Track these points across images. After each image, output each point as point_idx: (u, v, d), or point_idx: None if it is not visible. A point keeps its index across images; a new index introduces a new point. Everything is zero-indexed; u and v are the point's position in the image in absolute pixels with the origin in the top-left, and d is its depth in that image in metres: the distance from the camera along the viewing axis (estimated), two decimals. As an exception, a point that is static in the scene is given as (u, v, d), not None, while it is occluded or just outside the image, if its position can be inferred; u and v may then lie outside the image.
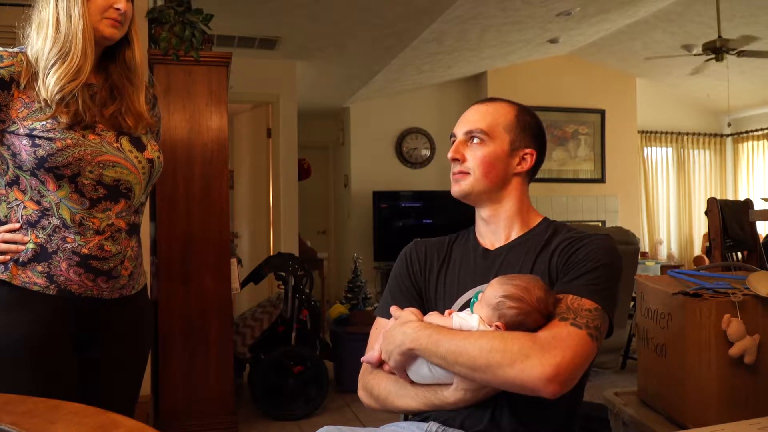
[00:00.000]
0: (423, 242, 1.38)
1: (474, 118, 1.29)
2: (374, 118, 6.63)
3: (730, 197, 7.57)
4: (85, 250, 1.32)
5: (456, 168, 1.28)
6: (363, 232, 6.52)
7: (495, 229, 1.29)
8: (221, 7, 3.52)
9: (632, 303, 4.04)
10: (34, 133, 1.27)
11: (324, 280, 5.77)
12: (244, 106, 5.55)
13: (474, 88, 6.56)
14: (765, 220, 4.04)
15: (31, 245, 1.30)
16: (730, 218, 3.32)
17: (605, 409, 1.56)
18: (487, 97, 1.35)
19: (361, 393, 1.26)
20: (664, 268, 6.17)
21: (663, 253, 7.32)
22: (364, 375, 1.26)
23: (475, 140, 1.27)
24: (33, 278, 1.29)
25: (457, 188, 1.28)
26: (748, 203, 3.74)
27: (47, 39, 1.31)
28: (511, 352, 1.02)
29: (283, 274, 3.63)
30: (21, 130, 1.28)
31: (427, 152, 6.66)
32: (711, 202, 3.38)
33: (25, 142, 1.27)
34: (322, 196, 7.60)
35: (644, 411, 1.51)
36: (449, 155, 1.28)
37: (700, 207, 7.46)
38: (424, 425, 1.16)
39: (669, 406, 1.42)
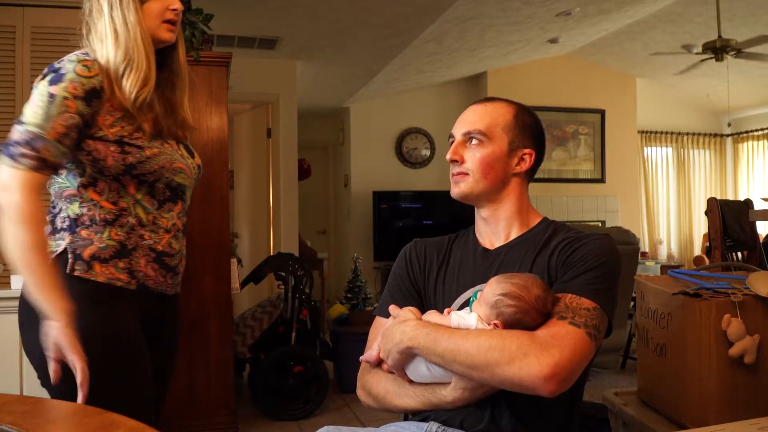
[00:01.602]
0: (423, 242, 1.38)
1: (472, 118, 1.28)
2: (374, 118, 6.63)
3: (730, 197, 7.57)
4: (159, 247, 1.37)
5: (455, 169, 1.28)
6: (363, 232, 6.52)
7: (495, 228, 1.29)
8: (221, 7, 3.52)
9: (632, 303, 4.04)
10: (124, 140, 1.30)
11: (324, 280, 5.77)
12: (244, 106, 5.54)
13: (474, 88, 6.57)
14: (765, 220, 4.04)
15: (111, 242, 1.31)
16: (730, 218, 3.32)
17: (605, 409, 1.56)
18: (486, 96, 1.34)
19: (359, 392, 1.26)
20: (664, 268, 6.17)
21: (663, 253, 7.32)
22: (362, 374, 1.26)
23: (474, 141, 1.26)
24: (116, 274, 1.31)
25: (457, 189, 1.28)
26: (748, 203, 3.74)
27: (110, 49, 1.30)
28: (509, 351, 1.02)
29: (283, 274, 3.63)
30: (109, 137, 1.29)
31: (427, 152, 6.66)
32: (711, 202, 3.38)
33: (113, 148, 1.29)
34: (322, 196, 7.60)
35: (644, 411, 1.51)
36: (448, 156, 1.28)
37: (700, 207, 7.46)
38: (425, 425, 1.16)
39: (669, 406, 1.42)
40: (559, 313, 1.08)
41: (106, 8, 1.30)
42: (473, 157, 1.26)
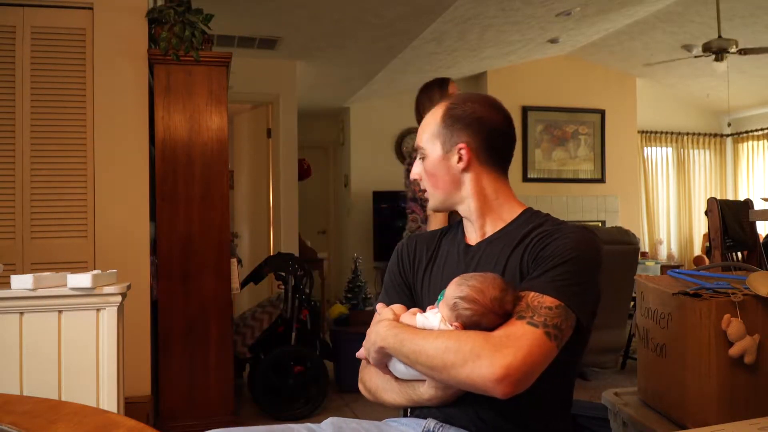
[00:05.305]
0: (414, 237, 1.38)
1: (417, 135, 1.32)
2: (374, 118, 6.63)
3: (730, 197, 7.57)
4: None
5: (419, 186, 1.33)
6: (363, 232, 6.52)
7: (473, 225, 1.27)
8: (221, 7, 3.52)
9: (632, 303, 4.04)
10: None
11: (324, 280, 5.77)
12: (244, 106, 5.54)
13: (474, 88, 6.56)
14: (765, 220, 4.04)
15: None
16: (730, 218, 3.32)
17: (605, 409, 1.56)
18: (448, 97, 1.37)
19: (360, 386, 1.29)
20: (664, 268, 6.17)
21: (663, 253, 7.31)
22: (361, 369, 1.29)
23: (419, 157, 1.29)
24: None
25: (428, 205, 1.34)
26: (748, 203, 3.74)
27: None
28: (463, 352, 1.01)
29: (283, 274, 3.63)
30: None
31: (427, 152, 6.65)
32: (711, 202, 3.38)
33: None
34: (322, 196, 7.60)
35: (644, 411, 1.51)
36: (411, 175, 1.33)
37: (700, 207, 7.46)
38: (423, 422, 1.17)
39: (669, 406, 1.42)
40: (519, 313, 1.06)
41: None
42: (421, 173, 1.29)
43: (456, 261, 1.26)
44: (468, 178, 1.25)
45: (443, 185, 1.26)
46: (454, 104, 1.26)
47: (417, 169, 1.30)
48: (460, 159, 1.24)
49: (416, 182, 1.32)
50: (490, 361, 0.99)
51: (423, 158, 1.28)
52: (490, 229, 1.26)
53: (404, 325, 1.14)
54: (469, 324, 1.07)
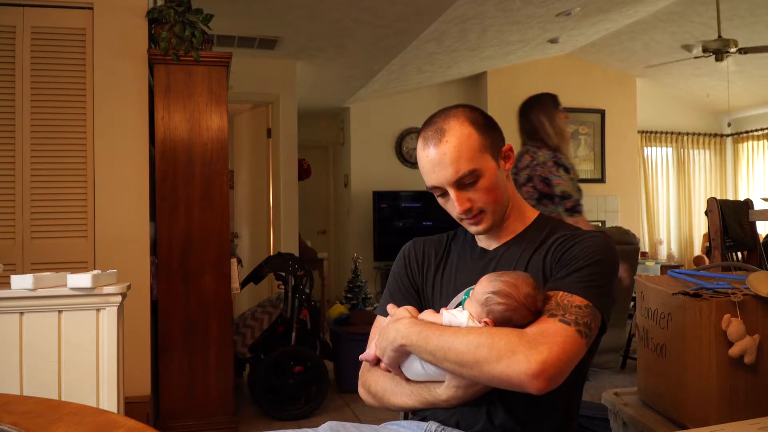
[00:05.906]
0: (421, 240, 1.38)
1: (447, 165, 1.16)
2: (374, 118, 6.63)
3: (730, 197, 7.57)
4: None
5: (470, 214, 1.20)
6: (363, 232, 6.52)
7: (495, 230, 1.27)
8: (221, 7, 3.52)
9: (632, 303, 4.04)
10: None
11: (324, 280, 5.77)
12: (244, 106, 5.55)
13: (474, 88, 6.57)
14: (765, 220, 4.03)
15: None
16: (730, 218, 3.32)
17: (605, 409, 1.56)
18: (432, 120, 1.22)
19: (360, 390, 1.27)
20: (664, 268, 6.17)
21: (663, 253, 7.31)
22: (363, 373, 1.27)
23: (468, 182, 1.17)
24: None
25: (481, 228, 1.22)
26: (748, 203, 3.73)
27: None
28: (497, 348, 1.02)
29: (283, 274, 3.63)
30: None
31: (427, 152, 6.65)
32: (711, 202, 3.37)
33: None
34: (322, 196, 7.60)
35: (644, 411, 1.50)
36: (459, 210, 1.18)
37: (700, 207, 7.47)
38: (424, 425, 1.17)
39: (669, 406, 1.42)
40: (549, 311, 1.07)
41: None
42: (479, 197, 1.18)
43: (470, 266, 1.26)
44: (507, 181, 1.25)
45: (503, 194, 1.22)
46: (473, 113, 1.20)
47: (470, 196, 1.18)
48: (506, 163, 1.23)
49: (468, 211, 1.18)
50: (526, 356, 1.00)
51: (474, 182, 1.17)
52: (512, 232, 1.26)
53: (428, 322, 1.13)
54: (500, 320, 1.07)
